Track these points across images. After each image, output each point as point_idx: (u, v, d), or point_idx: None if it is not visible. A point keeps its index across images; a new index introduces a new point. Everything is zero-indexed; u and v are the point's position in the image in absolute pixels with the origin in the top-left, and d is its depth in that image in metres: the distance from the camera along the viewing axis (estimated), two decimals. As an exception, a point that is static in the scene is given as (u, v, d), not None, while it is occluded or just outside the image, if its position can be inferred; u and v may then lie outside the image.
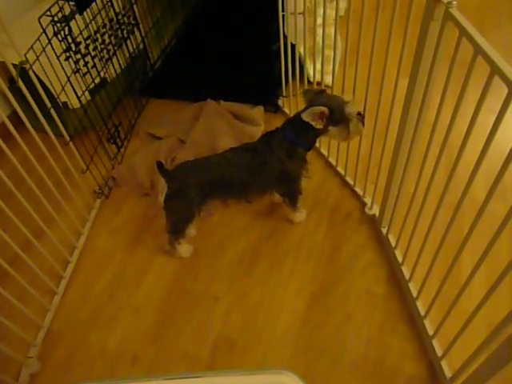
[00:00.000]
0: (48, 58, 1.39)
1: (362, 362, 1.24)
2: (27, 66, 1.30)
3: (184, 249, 1.49)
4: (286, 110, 1.97)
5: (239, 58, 2.12)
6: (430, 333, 1.19)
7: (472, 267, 0.90)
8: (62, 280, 1.47)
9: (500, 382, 0.90)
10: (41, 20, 1.31)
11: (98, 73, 1.74)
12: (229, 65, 2.14)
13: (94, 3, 1.61)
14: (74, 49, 1.56)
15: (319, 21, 1.57)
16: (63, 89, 1.50)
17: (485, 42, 0.76)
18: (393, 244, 1.41)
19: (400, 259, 1.36)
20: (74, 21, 1.50)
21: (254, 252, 1.52)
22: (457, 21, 0.81)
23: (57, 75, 1.46)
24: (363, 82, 1.30)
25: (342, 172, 1.70)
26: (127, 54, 1.95)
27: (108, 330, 1.36)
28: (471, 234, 0.90)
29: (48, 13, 1.34)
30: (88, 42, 1.67)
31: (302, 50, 1.85)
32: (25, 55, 1.29)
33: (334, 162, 1.74)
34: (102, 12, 1.71)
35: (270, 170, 1.37)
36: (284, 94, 1.96)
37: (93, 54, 1.71)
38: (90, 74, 1.71)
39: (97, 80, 1.74)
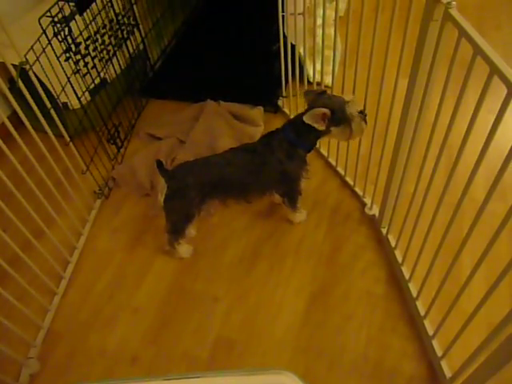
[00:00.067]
0: (48, 59, 1.40)
1: (361, 362, 1.24)
2: (27, 67, 1.30)
3: (184, 249, 1.49)
4: (286, 110, 1.97)
5: (239, 59, 2.11)
6: (430, 333, 1.19)
7: (472, 267, 0.90)
8: (62, 280, 1.47)
9: (500, 382, 0.91)
10: (41, 21, 1.32)
11: (98, 73, 1.75)
12: (229, 65, 2.14)
13: (93, 4, 1.62)
14: (74, 49, 1.56)
15: (319, 21, 1.57)
16: (63, 89, 1.51)
17: (484, 43, 0.76)
18: (393, 244, 1.41)
19: (400, 259, 1.36)
20: (74, 21, 1.50)
21: (253, 252, 1.52)
22: (456, 21, 0.82)
23: (57, 76, 1.47)
24: (363, 83, 1.30)
25: (342, 172, 1.70)
26: (127, 55, 1.95)
27: (108, 331, 1.36)
28: (471, 234, 0.90)
29: (48, 13, 1.35)
30: (88, 42, 1.67)
31: (301, 51, 1.85)
32: (25, 56, 1.29)
33: (333, 163, 1.74)
34: (102, 13, 1.71)
35: (269, 171, 1.37)
36: (284, 94, 1.96)
37: (93, 54, 1.72)
38: (90, 75, 1.71)
39: (97, 80, 1.74)
